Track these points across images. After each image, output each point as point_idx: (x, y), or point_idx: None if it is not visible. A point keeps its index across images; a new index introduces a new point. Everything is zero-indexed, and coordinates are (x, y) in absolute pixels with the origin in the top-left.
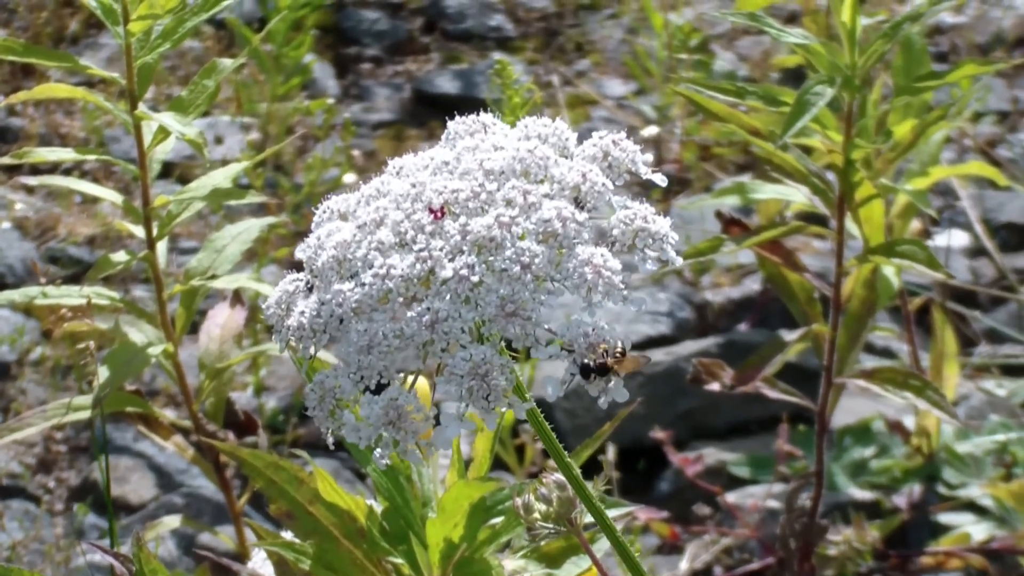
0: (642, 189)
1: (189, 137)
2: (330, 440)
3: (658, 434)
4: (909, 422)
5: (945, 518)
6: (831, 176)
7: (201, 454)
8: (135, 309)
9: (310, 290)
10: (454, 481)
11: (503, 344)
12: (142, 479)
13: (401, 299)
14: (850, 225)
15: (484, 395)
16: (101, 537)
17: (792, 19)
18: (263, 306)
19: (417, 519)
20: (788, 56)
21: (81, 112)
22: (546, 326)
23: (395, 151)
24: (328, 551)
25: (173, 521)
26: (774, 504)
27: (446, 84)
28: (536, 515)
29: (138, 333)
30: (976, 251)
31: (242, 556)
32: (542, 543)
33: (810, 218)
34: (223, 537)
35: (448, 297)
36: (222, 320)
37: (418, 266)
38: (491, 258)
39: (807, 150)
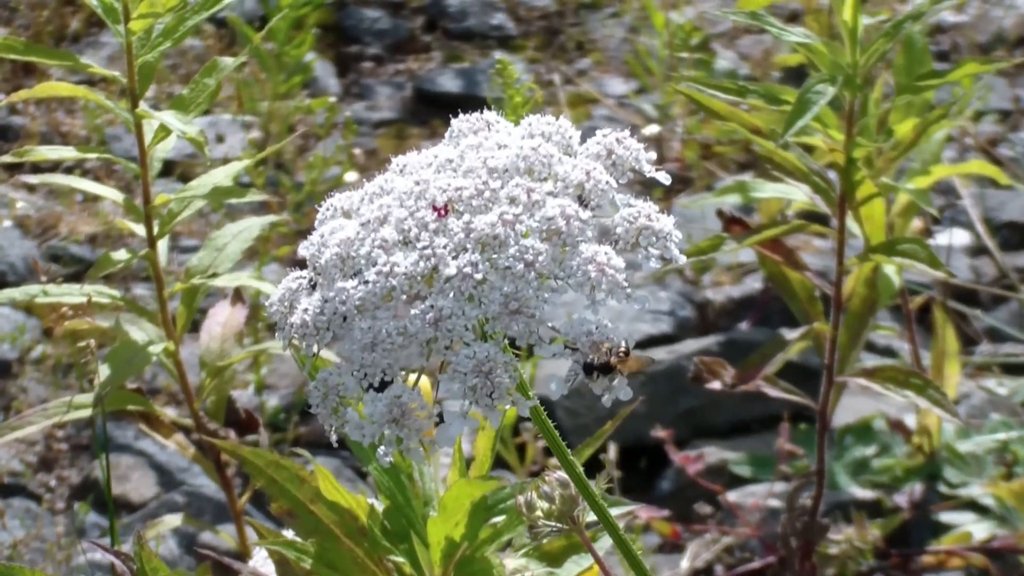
0: (644, 188)
1: (190, 135)
2: (333, 438)
3: (659, 433)
4: (910, 421)
5: (946, 517)
6: (832, 175)
7: (202, 452)
8: (136, 307)
9: (313, 288)
10: (455, 480)
11: (506, 342)
12: (143, 477)
13: (405, 297)
14: (851, 224)
15: (488, 393)
16: (102, 535)
17: (793, 18)
18: (266, 303)
19: (418, 518)
20: (789, 55)
21: (82, 111)
22: (550, 324)
23: (396, 150)
24: (329, 550)
25: (174, 520)
26: (775, 503)
27: (447, 83)
28: (539, 513)
29: (139, 331)
30: (977, 250)
31: (243, 555)
32: (543, 542)
33: (811, 217)
34: (224, 536)
35: (452, 295)
36: (223, 318)
37: (422, 264)
38: (495, 256)
39: (808, 149)
